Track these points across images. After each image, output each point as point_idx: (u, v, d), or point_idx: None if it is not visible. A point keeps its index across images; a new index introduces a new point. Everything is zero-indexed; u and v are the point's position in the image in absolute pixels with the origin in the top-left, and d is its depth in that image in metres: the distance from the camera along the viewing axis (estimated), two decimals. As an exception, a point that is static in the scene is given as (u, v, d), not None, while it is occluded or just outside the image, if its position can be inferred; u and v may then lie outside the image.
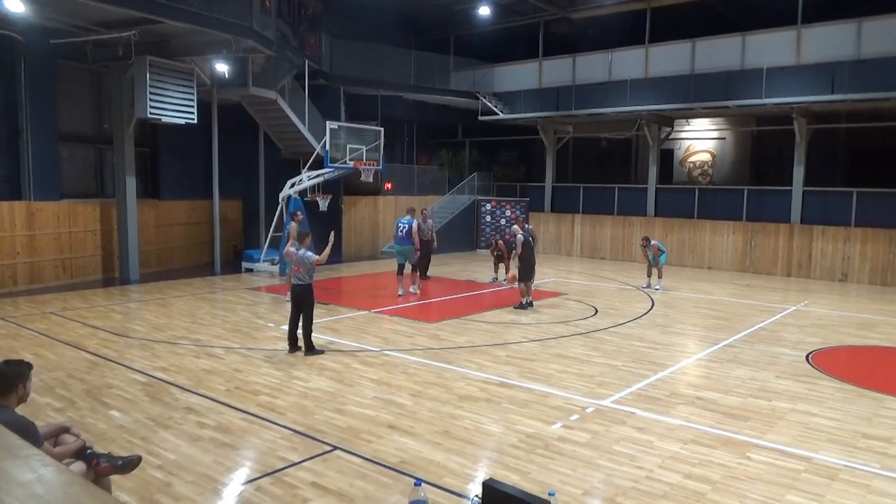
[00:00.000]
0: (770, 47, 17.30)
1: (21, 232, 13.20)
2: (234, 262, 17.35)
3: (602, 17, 21.00)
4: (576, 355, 8.82)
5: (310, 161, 16.12)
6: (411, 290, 13.43)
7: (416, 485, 4.09)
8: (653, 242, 14.82)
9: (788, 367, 8.42)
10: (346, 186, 19.23)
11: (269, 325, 10.45)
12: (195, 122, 14.43)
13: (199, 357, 8.46)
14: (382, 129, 17.21)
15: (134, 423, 6.11)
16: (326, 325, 10.33)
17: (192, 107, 14.23)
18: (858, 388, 7.56)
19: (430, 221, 16.12)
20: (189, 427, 6.02)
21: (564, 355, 8.81)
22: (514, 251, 12.46)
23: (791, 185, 17.70)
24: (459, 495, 4.76)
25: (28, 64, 13.22)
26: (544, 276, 16.16)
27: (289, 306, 8.99)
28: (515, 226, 12.55)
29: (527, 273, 12.07)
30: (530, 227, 12.99)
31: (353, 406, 6.66)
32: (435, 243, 15.99)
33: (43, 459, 1.80)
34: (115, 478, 4.29)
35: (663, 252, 14.79)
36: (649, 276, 14.96)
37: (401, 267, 13.56)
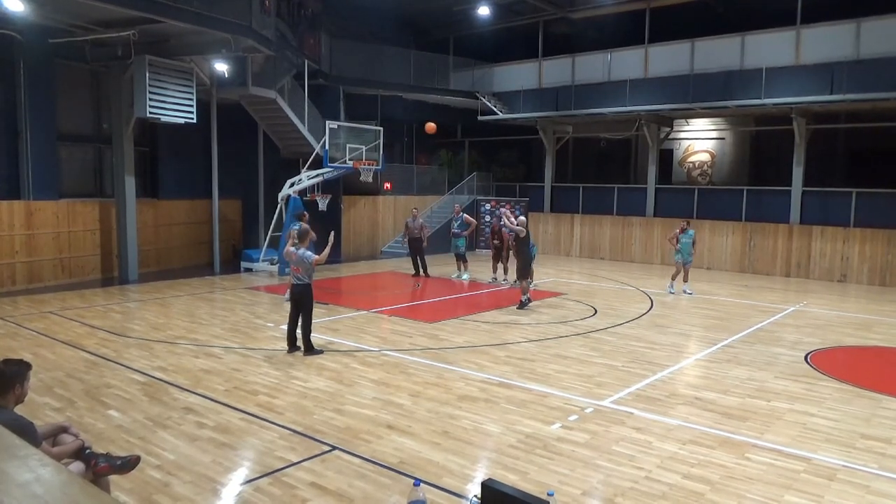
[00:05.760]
0: (769, 47, 17.31)
1: (20, 231, 13.19)
2: (233, 262, 17.33)
3: (601, 18, 21.01)
4: (575, 356, 8.82)
5: (309, 161, 16.12)
6: (464, 277, 15.66)
7: (415, 485, 4.08)
8: (690, 231, 13.63)
9: (787, 367, 8.42)
10: (345, 186, 19.23)
11: (269, 324, 10.44)
12: (195, 121, 14.42)
13: (198, 357, 8.46)
14: (382, 128, 17.23)
15: (132, 422, 6.10)
16: (326, 325, 10.33)
17: (192, 106, 14.22)
18: (857, 388, 7.57)
19: (419, 220, 16.17)
20: (188, 427, 6.02)
21: (563, 355, 8.81)
22: (510, 245, 12.44)
23: (790, 186, 17.70)
24: (458, 495, 4.76)
25: (27, 63, 13.21)
26: (544, 276, 16.16)
27: (288, 306, 9.00)
28: (504, 209, 12.41)
29: (525, 270, 12.08)
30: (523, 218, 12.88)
31: (352, 406, 6.66)
32: (426, 242, 16.02)
33: (41, 459, 1.79)
34: (113, 478, 4.29)
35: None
36: (674, 278, 13.94)
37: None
